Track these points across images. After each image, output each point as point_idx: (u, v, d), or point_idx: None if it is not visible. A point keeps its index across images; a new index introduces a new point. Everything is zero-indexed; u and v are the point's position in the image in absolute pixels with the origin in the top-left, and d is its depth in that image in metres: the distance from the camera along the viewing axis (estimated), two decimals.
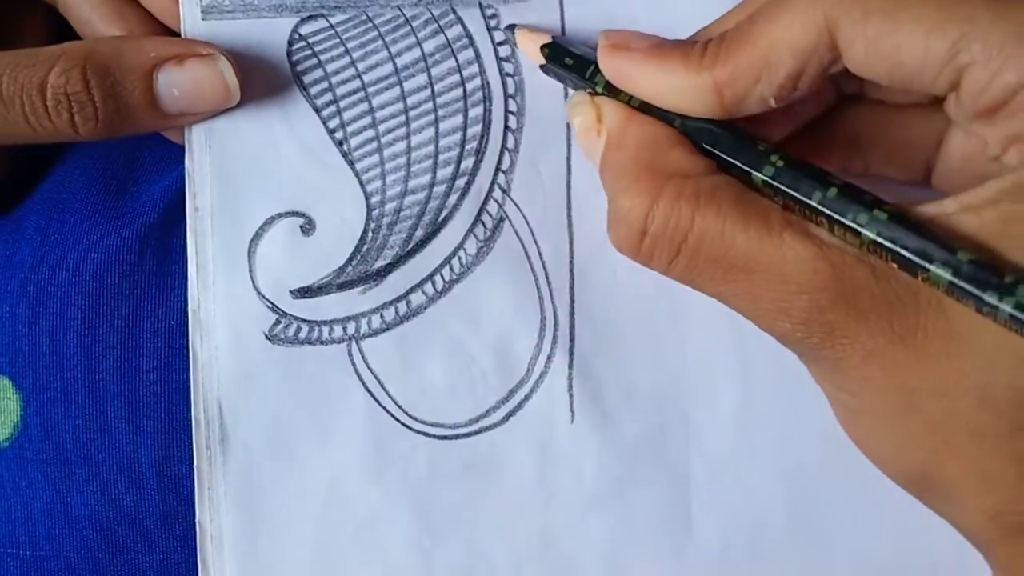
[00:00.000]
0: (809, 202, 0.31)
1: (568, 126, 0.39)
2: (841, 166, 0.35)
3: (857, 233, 0.30)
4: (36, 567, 0.40)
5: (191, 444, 0.39)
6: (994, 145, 0.29)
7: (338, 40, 0.39)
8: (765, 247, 0.30)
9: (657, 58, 0.33)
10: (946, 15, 0.28)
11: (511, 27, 0.39)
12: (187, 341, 0.39)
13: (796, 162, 0.31)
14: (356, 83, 0.39)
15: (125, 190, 0.42)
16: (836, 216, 0.30)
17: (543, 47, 0.37)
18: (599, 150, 0.34)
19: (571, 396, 0.39)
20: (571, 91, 0.38)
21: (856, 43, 0.29)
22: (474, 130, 0.39)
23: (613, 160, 0.33)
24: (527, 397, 0.39)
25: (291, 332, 0.39)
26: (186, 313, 0.39)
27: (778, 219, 0.30)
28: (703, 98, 0.32)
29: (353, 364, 0.39)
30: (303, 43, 0.39)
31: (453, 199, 0.39)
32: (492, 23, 0.39)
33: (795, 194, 0.31)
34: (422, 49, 0.39)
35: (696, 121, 0.33)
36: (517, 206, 0.39)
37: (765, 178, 0.32)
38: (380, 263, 0.39)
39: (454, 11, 0.39)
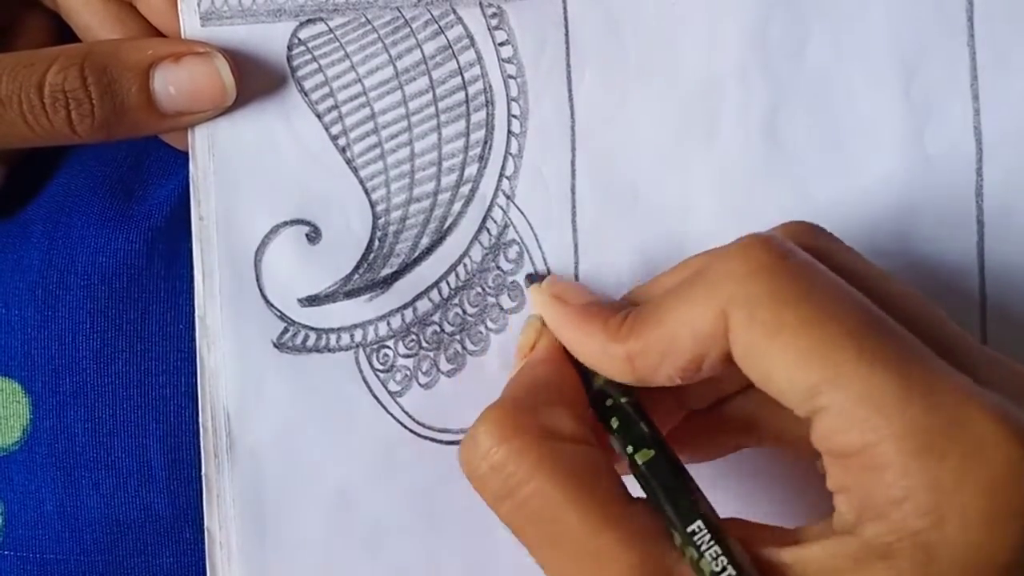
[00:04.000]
0: (666, 513, 0.31)
1: (572, 129, 0.39)
2: (736, 442, 0.37)
3: (697, 566, 0.29)
4: (46, 570, 0.41)
5: (200, 447, 0.39)
6: (831, 481, 0.29)
7: (337, 44, 0.39)
8: (591, 540, 0.30)
9: (584, 320, 0.34)
10: (815, 354, 0.28)
11: (531, 277, 0.39)
12: (196, 345, 0.39)
13: (668, 466, 0.32)
14: (357, 87, 0.39)
15: (131, 193, 0.42)
16: (682, 543, 0.30)
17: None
18: (516, 368, 0.36)
19: None
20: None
21: (738, 343, 0.30)
22: (477, 135, 0.39)
23: (512, 382, 0.35)
24: None
25: (299, 340, 0.39)
26: (194, 316, 0.39)
27: (617, 515, 0.30)
28: (617, 366, 0.32)
29: (360, 371, 0.39)
30: (302, 48, 0.39)
31: (458, 206, 0.39)
32: (493, 22, 0.39)
33: (657, 499, 0.31)
34: (422, 51, 0.39)
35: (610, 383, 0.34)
36: (521, 212, 0.39)
37: (638, 463, 0.32)
38: (386, 271, 0.39)
39: (454, 11, 0.39)
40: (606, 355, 0.33)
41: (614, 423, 0.33)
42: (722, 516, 0.31)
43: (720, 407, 0.36)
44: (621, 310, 0.33)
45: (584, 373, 0.34)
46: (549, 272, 0.39)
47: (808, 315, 0.28)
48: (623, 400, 0.33)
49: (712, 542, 0.29)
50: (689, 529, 0.30)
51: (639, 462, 0.32)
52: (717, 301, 0.30)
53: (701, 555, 0.29)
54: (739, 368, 0.30)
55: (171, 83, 0.37)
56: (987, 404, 0.27)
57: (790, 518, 0.36)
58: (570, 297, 0.35)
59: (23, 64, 0.37)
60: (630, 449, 0.32)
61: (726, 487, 0.38)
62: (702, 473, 0.33)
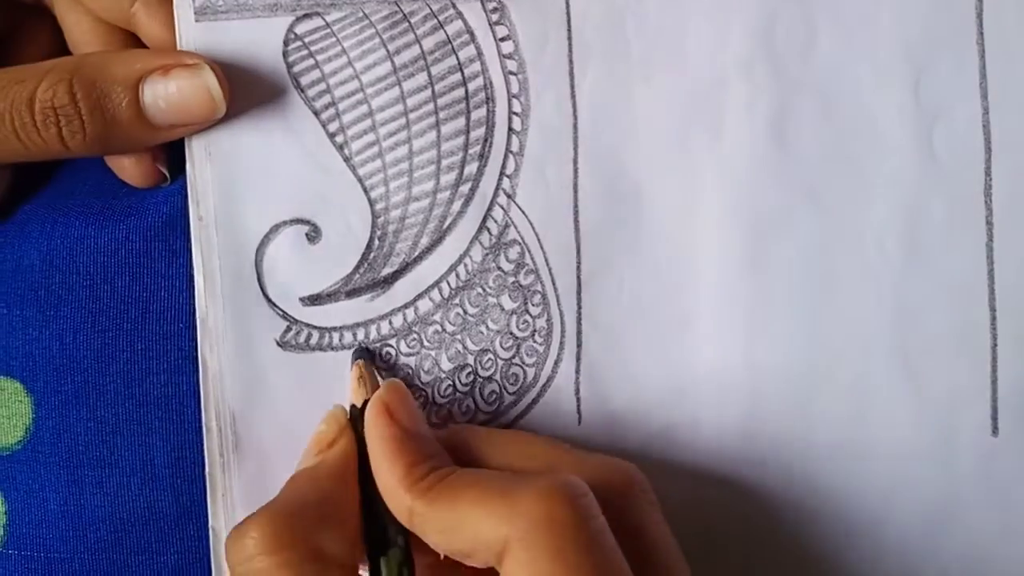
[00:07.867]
0: None
1: (575, 127, 0.39)
2: None
3: None
4: (50, 569, 0.41)
5: (203, 444, 0.39)
6: None
7: (334, 39, 0.38)
8: None
9: (394, 452, 0.34)
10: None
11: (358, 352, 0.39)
12: (198, 347, 0.39)
13: None
14: (354, 83, 0.38)
15: (132, 191, 0.41)
16: None
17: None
18: (304, 465, 0.36)
19: (578, 399, 0.39)
20: None
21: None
22: (477, 133, 0.39)
23: (293, 486, 0.35)
24: (535, 401, 0.39)
25: (302, 338, 0.39)
26: (195, 315, 0.39)
27: None
28: (398, 510, 0.34)
29: None
30: (299, 43, 0.38)
31: (457, 205, 0.39)
32: (494, 17, 0.39)
33: None
34: (421, 47, 0.38)
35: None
36: (522, 211, 0.39)
37: None
38: (387, 270, 0.39)
39: (454, 5, 0.39)
40: (394, 495, 0.34)
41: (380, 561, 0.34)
42: None
43: None
44: (433, 456, 0.34)
45: (368, 497, 0.35)
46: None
47: None
48: (390, 551, 0.34)
49: None
50: None
51: None
52: (507, 530, 0.31)
53: None
54: None
55: (161, 97, 0.37)
56: None
57: None
58: (399, 415, 0.35)
59: (14, 80, 0.37)
60: None
61: None
62: None
